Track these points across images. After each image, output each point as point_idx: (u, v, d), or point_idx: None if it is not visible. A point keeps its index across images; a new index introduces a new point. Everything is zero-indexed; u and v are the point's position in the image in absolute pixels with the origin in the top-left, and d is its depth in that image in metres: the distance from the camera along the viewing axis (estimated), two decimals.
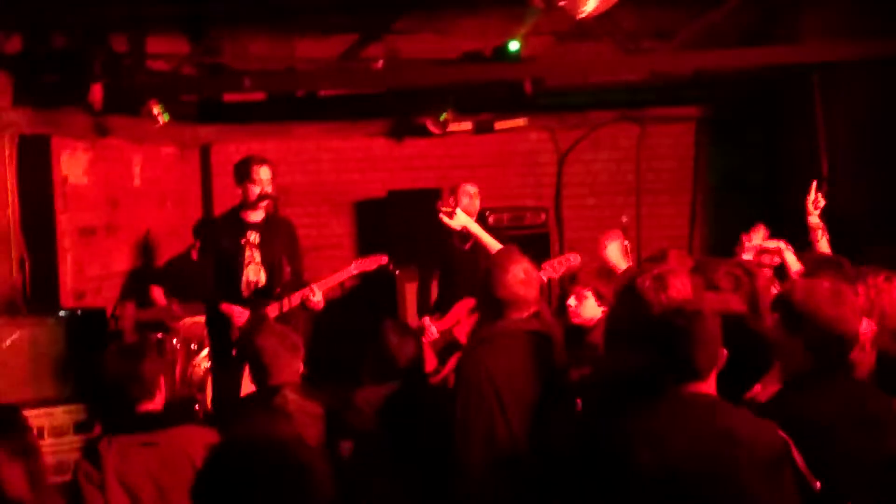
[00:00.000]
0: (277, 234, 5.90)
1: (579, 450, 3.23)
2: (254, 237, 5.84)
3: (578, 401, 3.88)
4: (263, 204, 5.85)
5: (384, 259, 6.16)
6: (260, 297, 5.82)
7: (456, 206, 5.83)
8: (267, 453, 2.03)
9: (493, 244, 4.80)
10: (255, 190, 5.77)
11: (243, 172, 5.81)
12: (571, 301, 5.48)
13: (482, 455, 3.62)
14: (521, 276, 3.86)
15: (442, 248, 6.96)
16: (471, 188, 6.97)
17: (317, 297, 5.80)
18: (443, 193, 8.92)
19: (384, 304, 7.92)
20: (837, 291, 3.34)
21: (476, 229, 5.04)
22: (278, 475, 1.99)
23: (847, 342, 3.27)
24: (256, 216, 5.86)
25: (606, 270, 6.31)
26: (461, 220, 5.16)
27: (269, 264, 5.85)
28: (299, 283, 5.93)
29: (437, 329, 6.75)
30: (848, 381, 3.33)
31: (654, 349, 3.01)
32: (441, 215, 5.25)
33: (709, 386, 2.95)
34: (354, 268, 6.09)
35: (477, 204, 6.94)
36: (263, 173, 5.79)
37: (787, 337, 3.29)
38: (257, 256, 5.85)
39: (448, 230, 6.63)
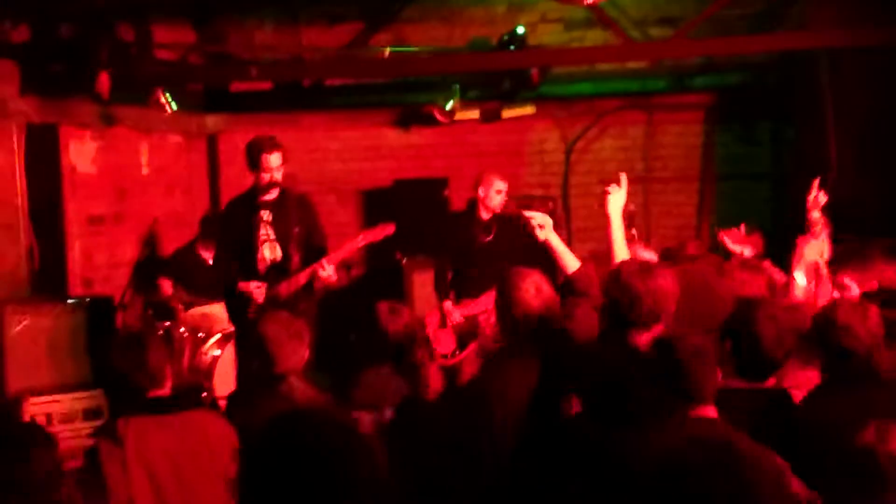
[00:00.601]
0: (290, 210, 5.93)
1: (572, 455, 3.19)
2: (267, 215, 5.89)
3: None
4: (274, 190, 5.89)
5: (391, 228, 6.04)
6: (277, 274, 5.87)
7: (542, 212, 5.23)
8: (321, 430, 2.03)
9: (571, 262, 4.55)
10: (265, 177, 5.82)
11: (253, 159, 5.85)
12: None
13: (470, 474, 3.65)
14: (532, 292, 3.90)
15: (462, 238, 6.88)
16: (501, 184, 6.75)
17: (327, 271, 5.75)
18: (449, 182, 8.95)
19: (391, 293, 7.92)
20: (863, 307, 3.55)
21: (557, 244, 4.67)
22: (332, 453, 1.98)
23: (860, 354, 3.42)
24: (269, 195, 5.91)
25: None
26: (547, 231, 4.72)
27: (284, 241, 5.90)
28: (321, 255, 5.90)
29: (461, 314, 6.75)
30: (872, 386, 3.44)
31: (661, 374, 3.08)
32: (532, 225, 4.76)
33: (710, 410, 3.06)
34: (362, 238, 6.00)
35: (502, 201, 6.77)
36: (273, 160, 5.81)
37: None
38: (272, 233, 5.90)
39: (469, 219, 6.79)
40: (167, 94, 7.50)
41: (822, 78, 7.67)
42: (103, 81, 6.64)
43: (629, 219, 6.93)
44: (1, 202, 6.56)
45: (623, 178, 4.53)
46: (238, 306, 5.91)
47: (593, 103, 9.24)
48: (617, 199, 4.48)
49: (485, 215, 6.76)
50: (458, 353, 6.67)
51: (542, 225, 4.49)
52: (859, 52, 6.92)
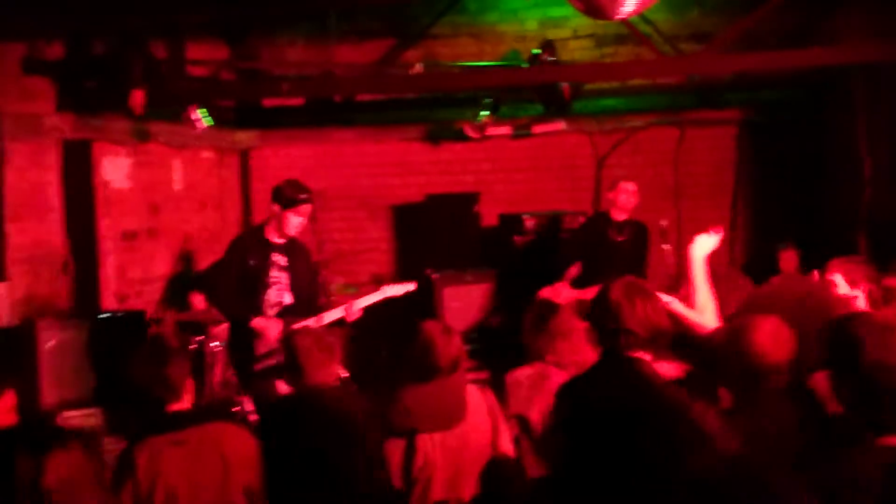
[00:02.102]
0: (300, 257, 5.94)
1: None
2: (279, 258, 5.84)
3: None
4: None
5: (413, 286, 6.17)
6: (286, 316, 5.83)
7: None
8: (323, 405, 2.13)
9: (704, 295, 4.39)
10: (295, 221, 5.74)
11: (290, 199, 5.73)
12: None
13: None
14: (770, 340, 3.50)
15: (596, 235, 7.43)
16: (629, 185, 7.31)
17: (355, 312, 5.85)
18: (480, 197, 8.94)
19: (421, 307, 7.92)
20: None
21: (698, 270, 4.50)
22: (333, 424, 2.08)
23: None
24: (280, 238, 5.85)
25: None
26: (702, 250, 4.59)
27: (296, 288, 5.88)
28: (316, 305, 6.01)
29: (567, 295, 6.96)
30: None
31: (857, 400, 2.95)
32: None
33: None
34: (383, 292, 6.07)
35: (633, 200, 7.32)
36: (307, 209, 5.74)
37: None
38: (283, 278, 5.86)
39: (605, 219, 7.38)
40: (200, 110, 7.55)
41: (856, 91, 7.61)
42: (137, 98, 6.69)
43: (662, 235, 6.98)
44: (37, 217, 6.63)
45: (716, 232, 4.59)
46: (242, 339, 5.79)
47: (624, 119, 9.22)
48: (703, 243, 4.54)
49: (619, 217, 7.31)
50: None
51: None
52: (893, 65, 6.86)
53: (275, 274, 5.84)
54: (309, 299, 5.96)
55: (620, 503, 3.09)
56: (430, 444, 4.00)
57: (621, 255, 7.26)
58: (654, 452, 3.00)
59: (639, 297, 3.39)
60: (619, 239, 7.34)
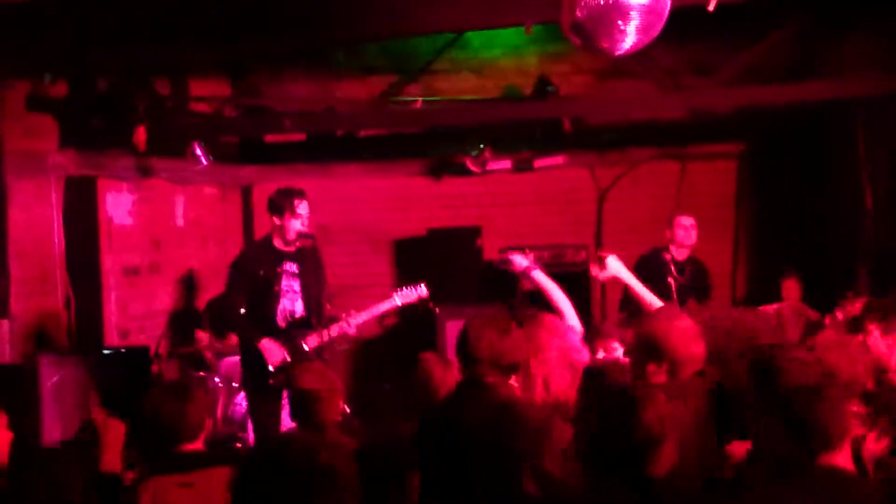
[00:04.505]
0: (312, 264, 5.96)
1: None
2: (290, 266, 5.89)
3: None
4: (299, 241, 5.88)
5: (425, 292, 6.28)
6: (297, 328, 5.88)
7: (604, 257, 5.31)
8: (297, 454, 2.10)
9: (650, 297, 4.57)
10: (296, 224, 5.82)
11: (284, 205, 5.84)
12: (600, 355, 5.36)
13: None
14: (689, 334, 3.77)
15: (651, 278, 7.06)
16: (686, 220, 6.99)
17: (352, 330, 5.97)
18: (482, 231, 8.94)
19: (424, 340, 7.91)
20: None
21: (629, 279, 4.70)
22: (306, 475, 2.05)
23: None
24: (290, 246, 5.91)
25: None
26: (612, 268, 4.77)
27: (307, 296, 5.91)
28: (323, 314, 6.03)
29: None
30: None
31: (786, 419, 2.93)
32: (591, 267, 5.00)
33: (843, 458, 2.88)
34: (397, 299, 6.19)
35: (693, 236, 6.97)
36: (304, 208, 5.84)
37: None
38: (295, 286, 5.90)
39: (662, 260, 6.93)
40: (203, 147, 7.58)
41: (856, 121, 7.63)
42: (140, 134, 6.74)
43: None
44: (39, 254, 6.64)
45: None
46: (253, 356, 5.83)
47: (626, 152, 9.24)
48: (614, 262, 4.75)
49: (679, 255, 6.94)
50: None
51: (603, 265, 4.66)
52: (892, 96, 6.88)
53: (286, 283, 5.88)
54: (318, 307, 5.97)
55: None
56: None
57: (683, 298, 6.68)
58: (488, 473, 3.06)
59: (491, 330, 3.55)
60: (681, 281, 6.90)
